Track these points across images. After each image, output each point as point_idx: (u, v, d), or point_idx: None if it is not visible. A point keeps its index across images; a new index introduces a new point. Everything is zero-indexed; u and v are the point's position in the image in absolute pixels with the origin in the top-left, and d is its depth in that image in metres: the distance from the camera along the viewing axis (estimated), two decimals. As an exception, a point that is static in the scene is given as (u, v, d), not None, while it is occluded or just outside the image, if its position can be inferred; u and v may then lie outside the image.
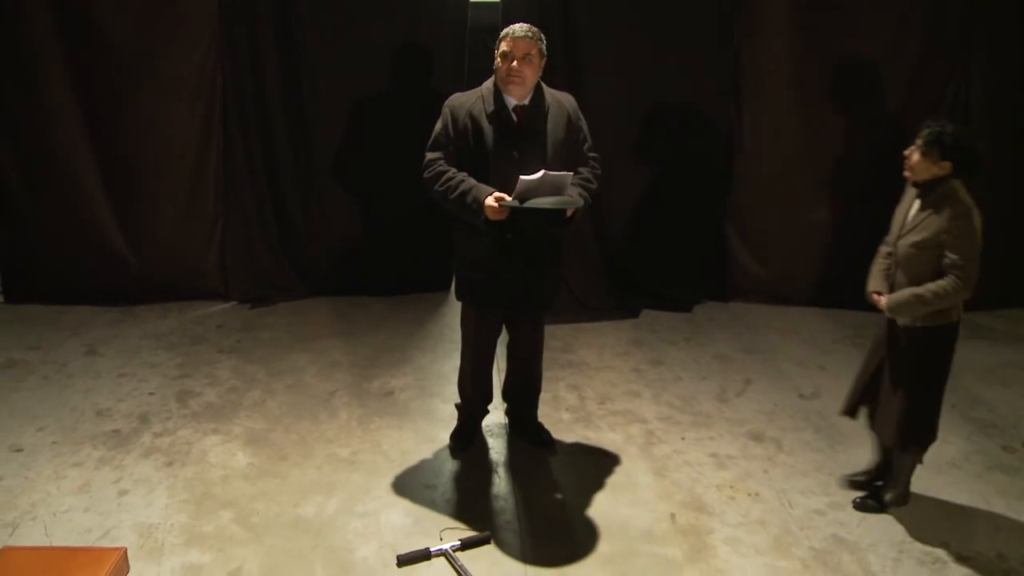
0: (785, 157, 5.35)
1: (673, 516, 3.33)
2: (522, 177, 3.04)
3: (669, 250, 5.57)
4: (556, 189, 3.11)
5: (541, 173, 3.05)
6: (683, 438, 3.92)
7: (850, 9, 5.13)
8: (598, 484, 3.54)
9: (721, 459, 3.75)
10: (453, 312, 3.94)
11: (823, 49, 5.15)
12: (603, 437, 3.92)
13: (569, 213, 3.21)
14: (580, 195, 3.27)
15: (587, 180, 3.40)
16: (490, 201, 3.10)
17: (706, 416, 4.14)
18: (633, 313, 5.42)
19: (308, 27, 5.25)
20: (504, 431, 3.95)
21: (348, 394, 4.31)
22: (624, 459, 3.74)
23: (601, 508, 3.38)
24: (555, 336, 4.93)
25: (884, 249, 3.21)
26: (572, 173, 3.24)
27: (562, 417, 4.09)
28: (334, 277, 5.63)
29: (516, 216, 3.13)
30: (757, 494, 3.48)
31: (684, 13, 5.21)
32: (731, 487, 3.53)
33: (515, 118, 3.28)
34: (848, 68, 5.16)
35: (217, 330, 5.12)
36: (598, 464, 3.70)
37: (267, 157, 5.45)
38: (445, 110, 3.34)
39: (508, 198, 3.08)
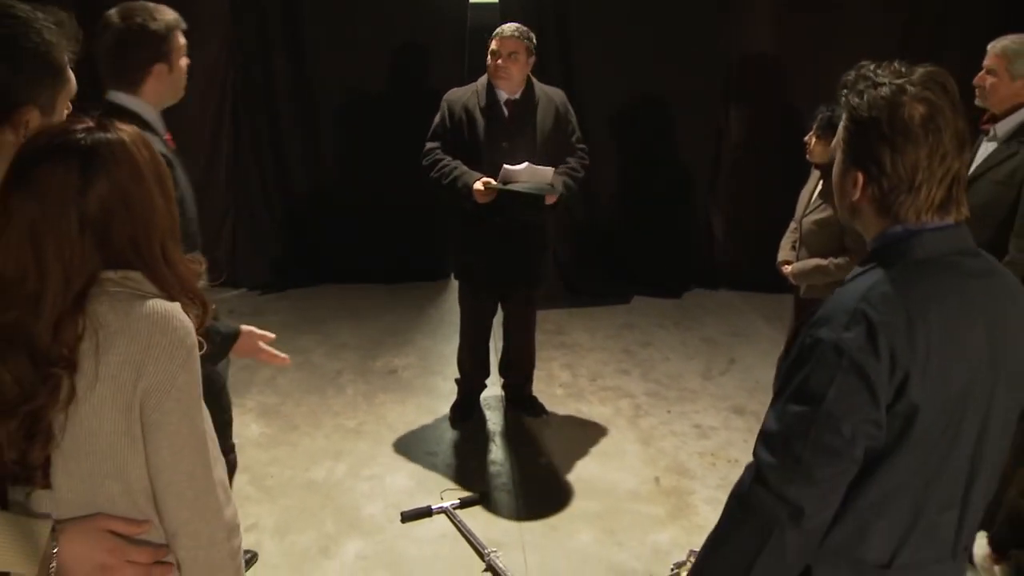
0: (769, 151, 5.60)
1: (657, 479, 3.58)
2: (505, 166, 3.35)
3: (660, 239, 5.82)
4: (539, 180, 3.41)
5: (524, 164, 3.36)
6: (669, 411, 4.17)
7: (832, 10, 5.39)
8: (588, 451, 3.80)
9: (704, 430, 4.00)
10: (453, 298, 4.19)
11: (806, 48, 5.40)
12: (594, 410, 4.18)
13: (550, 200, 3.46)
14: (564, 183, 3.54)
15: (574, 169, 3.66)
16: (478, 185, 3.37)
17: (691, 392, 4.39)
18: (625, 299, 5.68)
19: (315, 27, 5.51)
20: (501, 404, 4.20)
21: (354, 372, 4.57)
22: (613, 430, 3.99)
23: (590, 472, 3.63)
24: (550, 320, 5.18)
25: (792, 225, 3.49)
26: (553, 168, 3.49)
27: (556, 392, 4.34)
28: (340, 265, 5.87)
29: (500, 199, 3.40)
30: (737, 460, 3.73)
31: (675, 13, 5.47)
32: (712, 454, 3.79)
33: (506, 111, 3.55)
34: (829, 66, 5.41)
35: (229, 314, 5.37)
36: (588, 434, 3.95)
37: (276, 151, 5.71)
38: (443, 103, 3.63)
39: (494, 183, 3.36)
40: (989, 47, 2.98)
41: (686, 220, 5.87)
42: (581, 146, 3.76)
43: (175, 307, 1.24)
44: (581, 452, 3.79)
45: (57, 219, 1.16)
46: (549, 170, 3.45)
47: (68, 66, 1.40)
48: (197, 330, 1.27)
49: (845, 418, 1.24)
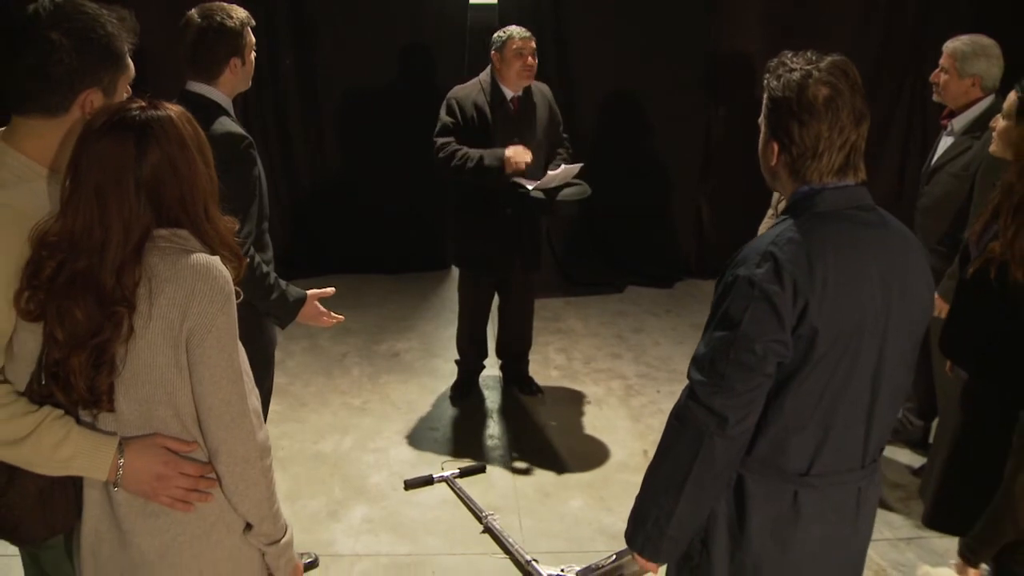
0: (755, 146, 5.81)
1: (645, 452, 3.81)
2: (550, 172, 3.61)
3: (652, 231, 6.07)
4: (569, 176, 3.69)
5: (562, 168, 3.64)
6: (658, 391, 4.40)
7: (816, 9, 5.63)
8: (580, 426, 4.03)
9: (691, 408, 4.22)
10: (454, 287, 4.42)
11: (791, 47, 5.61)
12: (587, 390, 4.41)
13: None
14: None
15: (567, 161, 3.90)
16: (509, 152, 3.55)
17: (680, 373, 4.60)
18: (618, 288, 5.91)
19: (320, 28, 5.75)
20: (499, 384, 4.43)
21: (359, 355, 4.80)
22: (605, 407, 4.22)
23: (582, 445, 3.86)
24: (547, 308, 5.41)
25: (770, 212, 3.73)
26: (581, 164, 3.77)
27: (551, 374, 4.57)
28: (344, 256, 6.10)
29: (552, 207, 3.65)
30: (720, 435, 3.96)
31: (666, 13, 5.70)
32: (698, 430, 4.01)
33: (512, 107, 3.78)
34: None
35: (238, 303, 5.60)
36: (581, 411, 4.19)
37: (283, 147, 5.95)
38: (451, 101, 3.80)
39: (523, 148, 3.59)
40: (944, 47, 3.21)
41: (677, 213, 6.11)
42: (565, 135, 4.04)
43: (215, 260, 1.46)
44: (574, 427, 4.02)
45: (117, 183, 1.39)
46: (578, 165, 3.72)
47: (127, 55, 1.64)
48: (234, 280, 1.50)
49: (757, 339, 1.50)
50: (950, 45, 3.21)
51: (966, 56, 3.14)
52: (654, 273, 6.01)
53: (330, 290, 2.75)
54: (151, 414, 1.46)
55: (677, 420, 1.62)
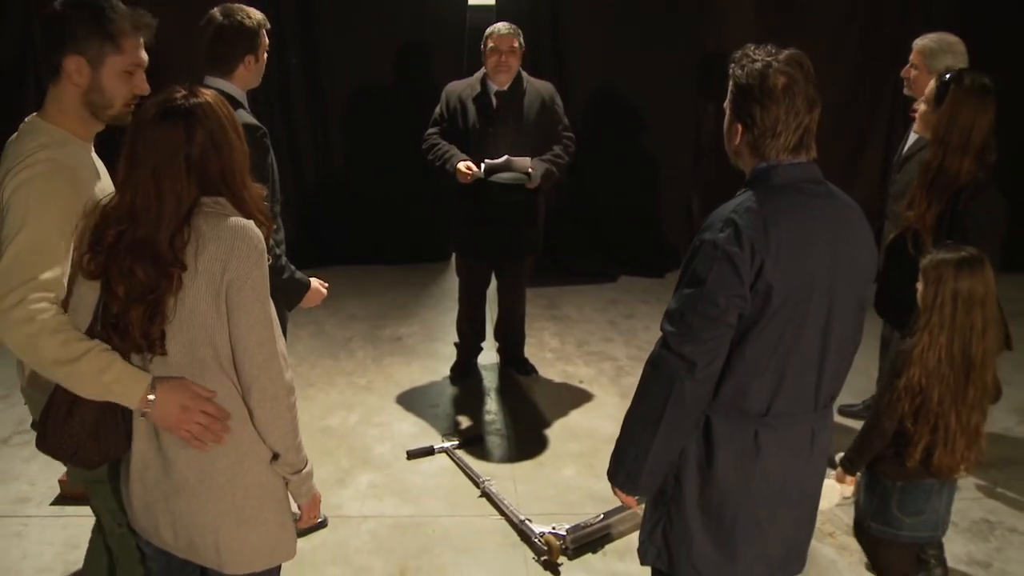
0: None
1: (634, 427, 4.03)
2: (487, 160, 3.81)
3: (644, 223, 6.29)
4: (518, 168, 3.85)
5: (504, 157, 3.83)
6: (648, 372, 4.62)
7: (804, 9, 5.86)
8: (573, 404, 4.25)
9: (678, 388, 4.44)
10: (453, 276, 4.63)
11: (778, 43, 5.85)
12: (579, 371, 4.63)
13: (531, 186, 3.89)
14: (546, 170, 3.93)
15: (557, 156, 4.04)
16: (461, 167, 3.83)
17: (669, 357, 4.83)
18: (611, 278, 6.14)
19: (325, 28, 5.99)
20: (496, 366, 4.65)
21: (363, 339, 5.03)
22: (596, 386, 4.45)
23: (574, 420, 4.09)
24: (543, 296, 5.64)
25: None
26: (531, 157, 3.90)
27: (546, 356, 4.80)
28: (347, 248, 6.32)
29: (486, 190, 3.85)
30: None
31: (658, 12, 5.94)
32: (684, 407, 4.23)
33: (494, 102, 4.00)
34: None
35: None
36: (574, 390, 4.41)
37: (289, 142, 6.16)
38: (443, 94, 4.11)
39: (474, 168, 3.82)
40: (913, 44, 3.44)
41: (668, 206, 6.35)
42: (567, 134, 4.15)
43: (250, 222, 1.69)
44: (567, 404, 4.24)
45: (171, 164, 1.62)
46: (526, 160, 3.86)
47: (131, 41, 1.88)
48: (264, 240, 1.72)
49: (720, 293, 1.71)
50: (919, 43, 3.44)
51: (934, 53, 3.37)
52: (646, 263, 6.24)
53: (326, 284, 2.98)
54: (194, 355, 1.68)
55: (651, 367, 1.84)
